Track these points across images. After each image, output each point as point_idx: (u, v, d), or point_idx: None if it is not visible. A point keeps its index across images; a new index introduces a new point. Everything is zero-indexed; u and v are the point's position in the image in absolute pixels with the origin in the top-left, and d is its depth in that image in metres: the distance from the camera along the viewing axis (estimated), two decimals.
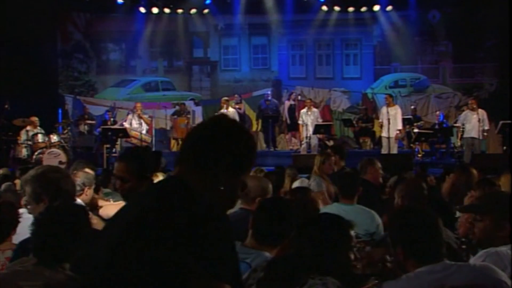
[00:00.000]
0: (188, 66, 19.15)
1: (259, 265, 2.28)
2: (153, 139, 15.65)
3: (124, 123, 14.11)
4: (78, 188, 3.78)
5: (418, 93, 18.70)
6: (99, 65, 18.86)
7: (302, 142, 14.45)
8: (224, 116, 1.88)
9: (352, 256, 2.32)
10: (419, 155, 14.77)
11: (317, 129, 13.63)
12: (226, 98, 14.83)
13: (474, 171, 4.92)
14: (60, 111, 14.80)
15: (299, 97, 16.96)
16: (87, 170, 4.57)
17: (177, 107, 16.78)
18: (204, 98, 18.81)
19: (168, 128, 17.08)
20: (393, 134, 13.18)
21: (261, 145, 17.42)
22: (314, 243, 2.28)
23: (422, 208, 2.56)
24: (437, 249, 2.39)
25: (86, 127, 15.88)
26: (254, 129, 18.29)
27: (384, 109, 13.69)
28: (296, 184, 6.07)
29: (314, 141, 14.26)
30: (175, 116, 16.61)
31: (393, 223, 2.49)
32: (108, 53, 19.00)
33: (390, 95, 14.32)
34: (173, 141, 16.62)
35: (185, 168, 1.73)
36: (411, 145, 14.88)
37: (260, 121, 16.67)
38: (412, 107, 16.76)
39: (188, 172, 1.71)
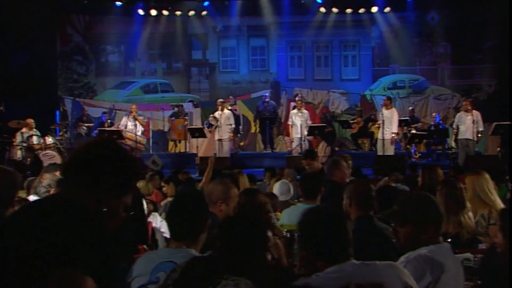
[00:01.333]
0: (187, 68, 19.22)
1: (180, 265, 2.31)
2: (150, 140, 15.73)
3: (119, 125, 14.17)
4: (44, 189, 3.84)
5: (416, 94, 18.69)
6: (98, 67, 18.94)
7: (292, 143, 14.48)
8: (110, 140, 1.95)
9: (269, 257, 2.34)
10: (416, 157, 14.78)
11: (312, 130, 13.64)
12: (221, 100, 14.87)
13: (440, 172, 4.95)
14: (57, 113, 14.84)
15: (298, 98, 16.91)
16: (57, 173, 4.62)
17: (176, 109, 16.85)
18: (202, 100, 18.86)
19: (165, 129, 17.15)
20: (388, 136, 13.19)
21: (260, 146, 17.51)
22: (230, 244, 2.31)
23: (330, 209, 2.57)
24: (343, 249, 2.41)
25: (84, 129, 15.94)
26: (252, 130, 18.38)
27: (386, 112, 13.71)
28: (276, 186, 6.10)
29: (308, 142, 14.29)
30: (173, 118, 16.66)
31: (300, 224, 2.51)
32: (107, 55, 19.07)
33: (389, 98, 14.37)
34: (170, 143, 16.69)
35: (69, 187, 1.83)
36: (408, 146, 14.88)
37: (258, 122, 16.71)
38: (410, 108, 16.74)
39: (72, 191, 1.80)
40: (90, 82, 18.83)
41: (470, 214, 4.12)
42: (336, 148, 16.78)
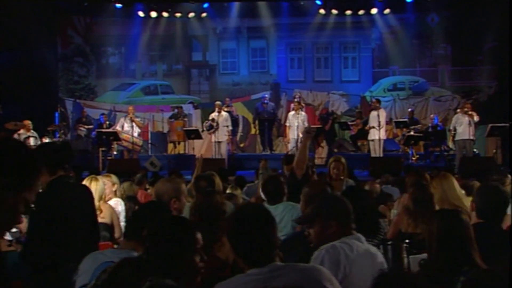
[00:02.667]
0: (187, 70, 19.28)
1: (110, 266, 2.33)
2: (149, 141, 15.79)
3: (116, 126, 14.24)
4: None
5: (416, 96, 18.67)
6: (99, 69, 19.02)
7: (288, 144, 14.50)
8: (7, 139, 1.95)
9: (198, 259, 2.37)
10: (413, 158, 14.77)
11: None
12: (219, 102, 14.91)
13: (412, 174, 4.97)
14: (56, 114, 14.92)
15: (296, 100, 16.91)
16: None
17: (176, 110, 16.92)
18: (203, 101, 18.89)
19: (165, 131, 17.22)
20: (382, 136, 13.25)
21: (259, 148, 17.53)
22: (157, 245, 2.34)
23: (255, 210, 2.59)
24: (265, 251, 2.41)
25: (83, 130, 16.03)
26: (252, 132, 18.42)
27: (373, 113, 13.74)
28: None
29: None
30: (172, 120, 16.75)
31: (227, 226, 2.55)
32: (108, 57, 19.15)
33: (378, 100, 14.37)
34: (170, 144, 16.76)
35: None
36: (406, 148, 14.87)
37: (257, 123, 16.76)
38: (410, 109, 16.73)
39: None
40: (91, 84, 18.92)
41: None
42: (335, 150, 16.80)
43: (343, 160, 6.51)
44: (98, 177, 5.02)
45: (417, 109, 18.26)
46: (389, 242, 3.27)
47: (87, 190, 4.14)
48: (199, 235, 2.41)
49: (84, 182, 4.85)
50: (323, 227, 2.96)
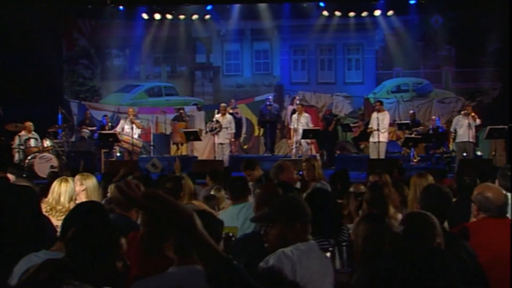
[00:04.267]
0: (191, 72, 19.34)
1: (32, 266, 2.32)
2: (151, 143, 15.86)
3: (117, 128, 14.32)
4: None
5: (420, 98, 18.62)
6: (103, 71, 19.15)
7: (292, 147, 14.50)
8: None
9: (120, 265, 2.37)
10: (415, 160, 14.73)
11: (306, 134, 13.65)
12: (224, 104, 14.94)
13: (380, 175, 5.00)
14: (60, 116, 15.03)
15: (298, 101, 16.91)
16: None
17: (180, 112, 17.01)
18: (206, 103, 18.95)
19: (167, 133, 17.31)
20: (383, 138, 13.22)
21: (263, 149, 17.54)
22: (78, 248, 2.33)
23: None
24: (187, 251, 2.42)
25: (87, 132, 16.14)
26: (256, 134, 18.46)
27: (374, 115, 13.71)
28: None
29: (306, 145, 14.29)
30: (175, 121, 16.84)
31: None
32: (113, 58, 19.28)
33: (380, 102, 14.33)
34: (173, 146, 16.84)
35: None
36: (407, 150, 14.83)
37: (260, 125, 16.82)
38: (411, 112, 16.69)
39: None
40: (96, 86, 19.06)
41: (400, 216, 4.15)
42: (338, 152, 16.80)
43: (313, 161, 6.62)
44: (69, 178, 5.01)
45: (421, 111, 18.22)
46: (344, 243, 3.29)
47: (28, 192, 4.04)
48: (122, 241, 2.41)
49: (54, 183, 4.87)
50: (285, 228, 2.92)
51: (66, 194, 4.75)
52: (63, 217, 4.62)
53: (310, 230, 2.97)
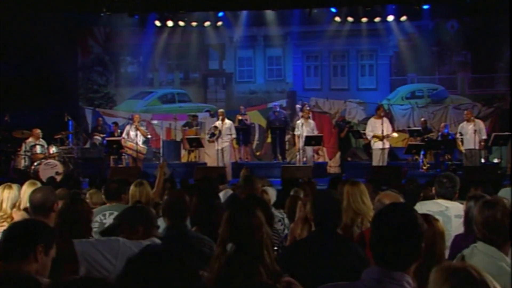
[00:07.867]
0: (204, 78, 19.40)
1: None
2: (161, 150, 15.95)
3: (123, 134, 14.43)
4: None
5: (435, 104, 18.31)
6: (117, 78, 19.37)
7: (297, 153, 14.38)
8: None
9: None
10: (424, 168, 14.47)
11: (308, 140, 13.53)
12: (222, 110, 14.85)
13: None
14: (70, 123, 15.22)
15: (308, 108, 16.78)
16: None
17: (192, 118, 17.10)
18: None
19: (178, 139, 17.38)
20: (382, 145, 12.99)
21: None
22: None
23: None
24: None
25: (98, 139, 16.33)
26: (268, 140, 18.38)
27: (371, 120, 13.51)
28: (220, 194, 6.13)
29: (310, 152, 14.17)
30: (186, 128, 16.90)
31: None
32: (126, 66, 19.50)
33: (380, 107, 14.09)
34: (183, 152, 16.90)
35: None
36: (416, 157, 14.59)
37: (269, 132, 16.77)
38: (422, 119, 16.43)
39: None
40: (110, 93, 19.28)
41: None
42: (349, 158, 16.65)
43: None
44: (13, 185, 5.04)
45: (436, 117, 17.93)
46: None
47: None
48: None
49: None
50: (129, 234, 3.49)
51: (9, 200, 4.79)
52: (4, 223, 4.69)
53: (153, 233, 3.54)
